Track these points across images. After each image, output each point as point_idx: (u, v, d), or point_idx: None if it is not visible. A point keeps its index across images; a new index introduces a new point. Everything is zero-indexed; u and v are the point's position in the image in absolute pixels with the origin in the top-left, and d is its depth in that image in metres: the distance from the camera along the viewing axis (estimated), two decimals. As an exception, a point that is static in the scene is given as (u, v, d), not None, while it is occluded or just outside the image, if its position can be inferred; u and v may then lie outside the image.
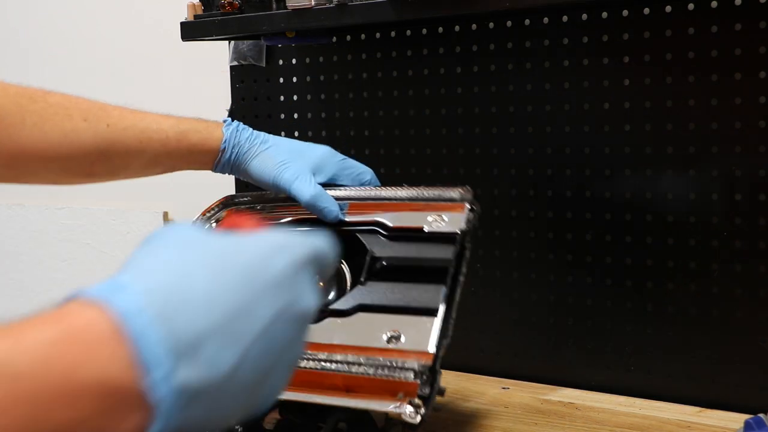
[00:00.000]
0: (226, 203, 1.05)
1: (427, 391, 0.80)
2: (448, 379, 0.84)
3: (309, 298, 0.46)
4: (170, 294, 0.39)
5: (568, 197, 1.15)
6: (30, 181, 0.92)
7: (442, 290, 0.86)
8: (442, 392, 0.85)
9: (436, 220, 0.93)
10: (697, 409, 1.06)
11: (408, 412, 0.79)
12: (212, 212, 1.04)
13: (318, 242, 0.49)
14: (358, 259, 0.94)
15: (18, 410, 0.35)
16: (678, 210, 1.08)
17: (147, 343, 0.38)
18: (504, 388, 1.16)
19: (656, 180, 1.09)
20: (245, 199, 1.05)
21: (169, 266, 0.41)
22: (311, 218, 0.99)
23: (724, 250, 1.05)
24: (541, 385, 1.17)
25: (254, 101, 1.41)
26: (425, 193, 0.96)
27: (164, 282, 0.40)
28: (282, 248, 0.46)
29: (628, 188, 1.11)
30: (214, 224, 1.03)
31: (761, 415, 0.86)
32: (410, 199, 0.96)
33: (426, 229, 0.92)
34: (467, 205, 0.92)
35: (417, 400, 0.80)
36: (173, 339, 0.38)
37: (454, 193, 0.94)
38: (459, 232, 0.90)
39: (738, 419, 0.95)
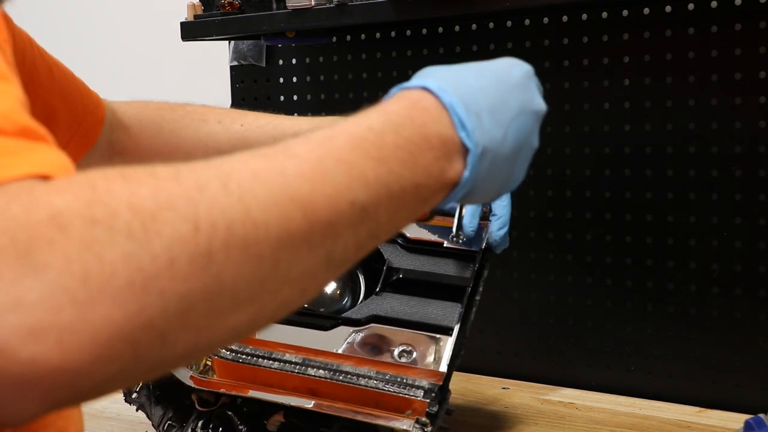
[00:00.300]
0: None
1: (435, 409, 0.80)
2: (450, 380, 0.84)
3: (539, 100, 0.61)
4: (457, 85, 0.55)
5: (568, 197, 1.16)
6: None
7: (458, 309, 0.86)
8: (450, 412, 0.85)
9: (457, 237, 0.92)
10: (697, 409, 1.06)
11: (414, 430, 0.79)
12: None
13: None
14: (372, 265, 0.94)
15: (401, 152, 0.49)
16: (678, 210, 1.08)
17: (456, 111, 0.53)
18: (504, 388, 1.16)
19: (656, 180, 1.09)
20: None
21: (448, 72, 0.57)
22: None
23: (724, 250, 1.05)
24: (541, 385, 1.17)
25: (254, 101, 1.41)
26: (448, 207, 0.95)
27: (450, 78, 0.55)
28: (516, 64, 0.62)
29: (628, 188, 1.11)
30: None
31: (761, 415, 0.86)
32: (433, 212, 0.95)
33: (446, 244, 0.92)
34: (489, 222, 0.91)
35: (424, 419, 0.80)
36: (467, 111, 0.54)
37: None
38: (479, 251, 0.90)
39: (738, 419, 0.95)
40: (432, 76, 0.56)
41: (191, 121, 0.96)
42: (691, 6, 1.05)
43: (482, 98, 0.56)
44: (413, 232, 0.94)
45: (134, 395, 0.94)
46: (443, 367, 0.82)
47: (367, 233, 0.47)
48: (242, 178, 0.41)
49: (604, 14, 1.10)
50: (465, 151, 0.53)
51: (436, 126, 0.52)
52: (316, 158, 0.45)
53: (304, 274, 0.43)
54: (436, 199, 0.53)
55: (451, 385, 0.85)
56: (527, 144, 0.60)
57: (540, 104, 0.61)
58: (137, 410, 0.96)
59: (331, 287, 0.94)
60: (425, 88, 0.55)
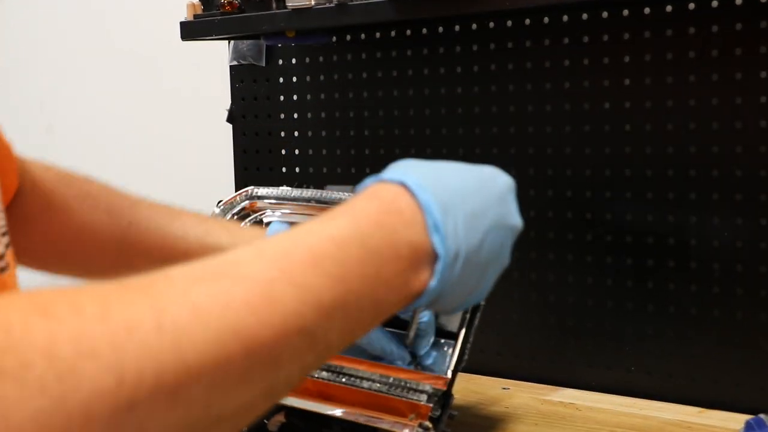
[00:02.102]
0: (248, 196, 1.04)
1: (438, 413, 0.80)
2: (454, 386, 0.84)
3: (517, 216, 0.59)
4: (437, 184, 0.52)
5: (568, 197, 1.15)
6: (53, 270, 0.87)
7: (463, 314, 0.86)
8: (453, 417, 0.85)
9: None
10: (698, 409, 1.06)
11: None
12: (233, 204, 1.03)
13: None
14: None
15: (365, 266, 0.46)
16: (678, 210, 1.08)
17: (433, 212, 0.50)
18: (504, 388, 1.16)
19: (657, 180, 1.09)
20: (267, 192, 1.04)
21: (428, 169, 0.54)
22: None
23: (725, 250, 1.05)
24: (541, 386, 1.17)
25: (254, 101, 1.41)
26: None
27: (430, 176, 0.53)
28: (500, 174, 0.61)
29: (628, 189, 1.11)
30: (234, 217, 1.02)
31: (761, 415, 0.86)
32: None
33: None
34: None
35: (427, 423, 0.80)
36: (445, 214, 0.50)
37: None
38: None
39: (738, 419, 0.95)
40: (411, 170, 0.53)
41: (82, 203, 0.87)
42: (691, 6, 1.04)
43: (462, 202, 0.53)
44: None
45: None
46: (447, 373, 0.82)
47: (314, 358, 0.44)
48: (179, 316, 0.37)
49: (605, 14, 1.10)
50: (435, 257, 0.50)
51: (407, 232, 0.49)
52: (267, 281, 0.41)
53: (239, 409, 0.40)
54: (394, 311, 0.49)
55: (452, 387, 0.85)
56: (500, 257, 0.57)
57: (517, 220, 0.59)
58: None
59: None
60: (402, 184, 0.51)
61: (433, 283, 0.50)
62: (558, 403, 1.10)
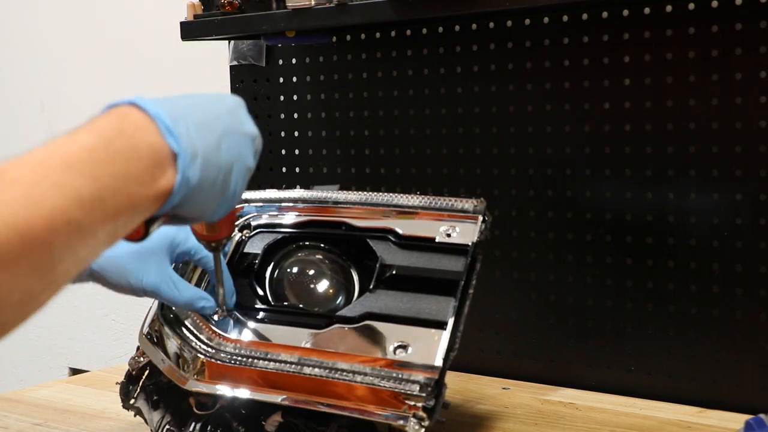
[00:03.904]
0: None
1: (432, 403, 0.80)
2: (448, 379, 0.84)
3: (251, 125, 0.67)
4: (164, 102, 0.59)
5: (568, 197, 1.15)
6: None
7: (452, 303, 0.86)
8: (446, 406, 0.85)
9: (448, 231, 0.92)
10: (698, 409, 1.06)
11: (412, 425, 0.79)
12: None
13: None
14: (365, 263, 0.94)
15: (113, 165, 0.52)
16: (679, 210, 1.08)
17: (162, 119, 0.57)
18: (504, 388, 1.16)
19: (657, 180, 1.09)
20: (253, 196, 1.04)
21: (157, 97, 0.60)
22: (322, 220, 0.98)
23: (725, 250, 1.05)
24: (541, 385, 1.17)
25: (254, 101, 1.41)
26: (439, 202, 0.95)
27: (158, 99, 0.59)
28: (228, 95, 0.69)
29: (628, 188, 1.11)
30: None
31: (761, 415, 0.86)
32: (423, 208, 0.95)
33: (438, 239, 0.92)
34: (480, 218, 0.91)
35: (421, 413, 0.80)
36: (175, 121, 0.57)
37: (468, 204, 0.93)
38: (471, 245, 0.90)
39: (738, 419, 0.95)
40: (140, 97, 0.60)
41: None
42: (691, 6, 1.04)
43: (191, 113, 0.60)
44: (405, 228, 0.94)
45: (132, 401, 0.94)
46: (438, 362, 0.82)
47: (86, 249, 0.51)
48: None
49: (605, 14, 1.10)
50: (175, 158, 0.57)
51: (144, 135, 0.56)
52: (31, 183, 0.48)
53: (24, 295, 0.47)
54: (153, 208, 0.56)
55: (451, 386, 0.85)
56: (241, 160, 0.65)
57: (251, 128, 0.67)
58: (135, 416, 0.96)
59: (324, 286, 0.95)
60: (132, 104, 0.58)
61: (178, 178, 0.57)
62: (558, 403, 1.10)
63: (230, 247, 0.99)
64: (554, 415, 1.05)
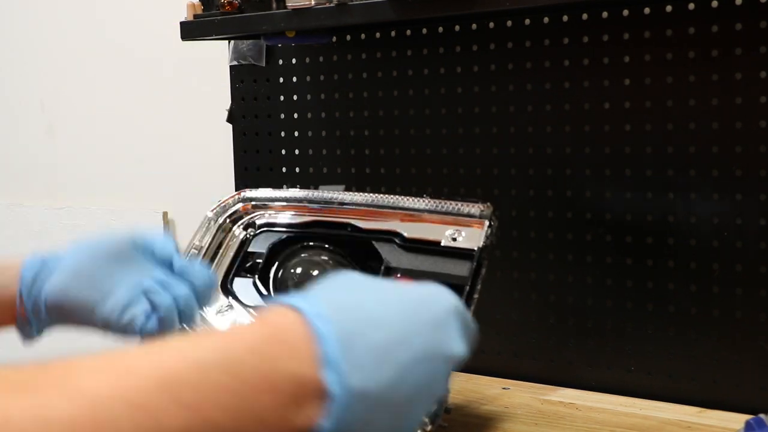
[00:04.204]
0: (240, 198, 1.04)
1: (434, 408, 0.80)
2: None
3: (458, 344, 0.51)
4: (345, 310, 0.47)
5: (568, 197, 1.15)
6: None
7: None
8: (448, 411, 0.85)
9: (454, 235, 0.92)
10: (698, 409, 1.06)
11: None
12: (225, 207, 1.04)
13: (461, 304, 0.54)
14: (370, 265, 0.94)
15: (230, 396, 0.41)
16: (679, 210, 1.08)
17: (327, 342, 0.44)
18: (504, 388, 1.16)
19: (657, 180, 1.09)
20: (259, 194, 1.04)
21: (345, 291, 0.49)
22: (327, 221, 0.98)
23: (725, 250, 1.05)
24: (541, 385, 1.17)
25: (254, 101, 1.41)
26: (445, 206, 0.95)
27: (339, 301, 0.47)
28: (439, 295, 0.52)
29: (628, 188, 1.11)
30: (227, 220, 1.02)
31: (761, 415, 0.86)
32: (429, 211, 0.95)
33: (443, 243, 0.91)
34: (487, 222, 0.91)
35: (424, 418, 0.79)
36: (345, 345, 0.45)
37: (474, 208, 0.93)
38: (476, 249, 0.89)
39: (738, 419, 0.95)
40: (318, 294, 0.48)
41: None
42: (691, 6, 1.04)
43: (374, 331, 0.46)
44: (410, 231, 0.94)
45: None
46: None
47: None
48: None
49: (605, 14, 1.10)
50: (328, 398, 0.44)
51: (290, 363, 0.43)
52: (103, 399, 0.36)
53: None
54: None
55: (452, 386, 0.85)
56: (429, 391, 0.49)
57: (457, 348, 0.51)
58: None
59: None
60: (297, 310, 0.46)
61: (325, 423, 0.43)
62: (558, 403, 1.10)
63: (234, 249, 0.99)
64: (554, 415, 1.05)
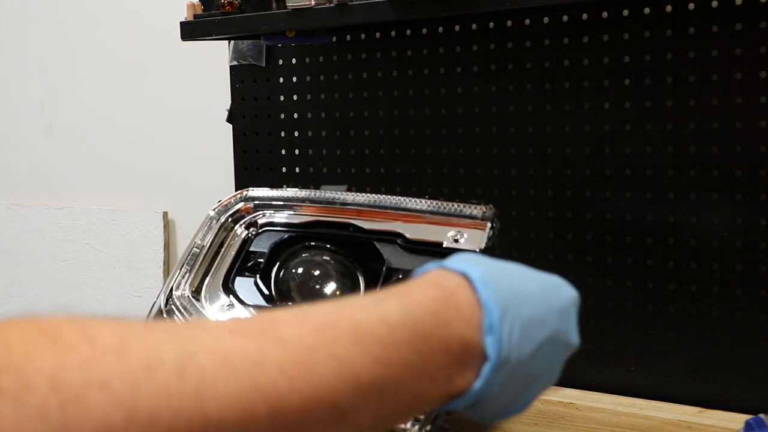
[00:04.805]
0: (242, 198, 1.04)
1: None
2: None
3: (575, 334, 0.55)
4: (500, 283, 0.49)
5: (568, 197, 1.15)
6: None
7: None
8: (449, 412, 0.85)
9: (456, 236, 0.92)
10: (698, 409, 1.06)
11: (414, 430, 0.79)
12: (227, 207, 1.03)
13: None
14: (372, 266, 0.94)
15: (411, 353, 0.43)
16: (679, 210, 1.08)
17: (491, 310, 0.47)
18: (504, 388, 1.16)
19: (657, 180, 1.09)
20: (261, 194, 1.04)
21: (492, 266, 0.51)
22: (329, 221, 0.98)
23: (725, 250, 1.05)
24: (541, 385, 1.16)
25: (254, 101, 1.41)
26: (447, 207, 0.94)
27: (494, 273, 0.49)
28: (565, 286, 0.56)
29: (628, 188, 1.11)
30: (229, 219, 1.02)
31: (761, 415, 0.86)
32: (432, 213, 0.95)
33: (445, 244, 0.91)
34: (489, 224, 0.91)
35: (424, 419, 0.79)
36: (503, 315, 0.47)
37: (477, 210, 0.93)
38: (478, 251, 0.89)
39: (738, 419, 0.95)
40: (475, 263, 0.50)
41: None
42: (691, 6, 1.04)
43: (521, 306, 0.49)
44: (413, 232, 0.94)
45: None
46: None
47: None
48: (206, 362, 0.35)
49: (605, 14, 1.10)
50: (484, 358, 0.47)
51: (461, 327, 0.46)
52: (306, 347, 0.39)
53: None
54: (433, 406, 0.47)
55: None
56: (550, 372, 0.54)
57: (574, 338, 0.55)
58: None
59: (330, 289, 0.94)
60: (466, 276, 0.48)
61: (477, 384, 0.47)
62: (558, 402, 1.10)
63: (235, 248, 0.99)
64: (554, 415, 1.05)
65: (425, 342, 0.44)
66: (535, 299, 0.51)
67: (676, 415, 1.04)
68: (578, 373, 1.16)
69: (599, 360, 1.15)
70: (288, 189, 1.03)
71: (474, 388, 0.47)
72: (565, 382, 1.16)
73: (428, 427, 0.79)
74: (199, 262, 0.97)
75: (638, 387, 1.12)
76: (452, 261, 0.50)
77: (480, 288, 0.47)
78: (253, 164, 1.42)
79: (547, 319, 0.51)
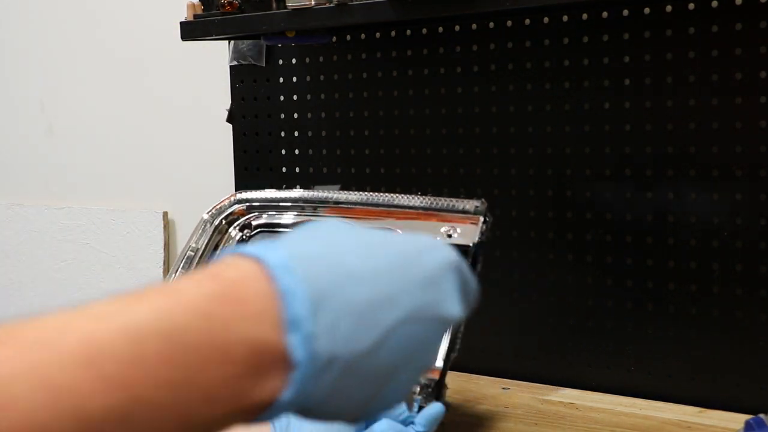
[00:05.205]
0: (235, 200, 1.04)
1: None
2: (448, 379, 0.84)
3: (453, 304, 0.44)
4: (320, 263, 0.39)
5: (568, 197, 1.15)
6: None
7: None
8: (447, 407, 0.85)
9: (449, 232, 0.92)
10: (698, 409, 1.06)
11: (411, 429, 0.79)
12: (221, 209, 1.04)
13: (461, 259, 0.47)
14: None
15: (170, 369, 0.34)
16: (679, 210, 1.08)
17: (294, 301, 0.37)
18: (504, 388, 1.16)
19: (657, 180, 1.09)
20: (254, 196, 1.04)
21: (321, 241, 0.41)
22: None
23: (725, 250, 1.05)
24: (541, 385, 1.16)
25: (254, 101, 1.41)
26: (440, 203, 0.94)
27: (315, 252, 0.40)
28: (434, 249, 0.45)
29: (628, 188, 1.11)
30: (223, 221, 1.02)
31: (761, 415, 0.86)
32: (424, 209, 0.95)
33: (439, 239, 0.91)
34: (481, 219, 0.91)
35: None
36: (317, 304, 0.38)
37: (469, 205, 0.93)
38: (472, 245, 0.89)
39: (738, 419, 0.95)
40: (281, 245, 0.40)
41: None
42: (691, 6, 1.04)
43: (356, 288, 0.39)
44: (406, 229, 0.94)
45: None
46: (439, 363, 0.82)
47: None
48: None
49: (605, 14, 1.10)
50: (292, 365, 0.37)
51: (247, 327, 0.36)
52: (5, 376, 0.30)
53: None
54: (227, 426, 0.37)
55: (452, 386, 0.85)
56: (419, 357, 0.42)
57: (452, 310, 0.44)
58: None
59: None
60: (258, 260, 0.38)
61: (286, 395, 0.37)
62: (558, 403, 1.10)
63: (232, 248, 0.99)
64: (554, 415, 1.05)
65: (192, 353, 0.35)
66: (380, 276, 0.41)
67: (676, 415, 1.04)
68: (578, 373, 1.16)
69: (599, 360, 1.15)
70: (281, 190, 1.03)
71: (282, 400, 0.37)
72: (565, 382, 1.17)
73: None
74: (193, 266, 0.97)
75: (638, 387, 1.12)
76: (254, 245, 0.40)
77: (279, 275, 0.37)
78: (253, 164, 1.42)
79: (401, 297, 0.41)
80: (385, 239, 0.44)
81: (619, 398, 1.11)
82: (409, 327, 0.41)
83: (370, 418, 0.47)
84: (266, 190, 1.04)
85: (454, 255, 0.45)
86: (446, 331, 0.48)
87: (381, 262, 0.41)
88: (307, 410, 0.39)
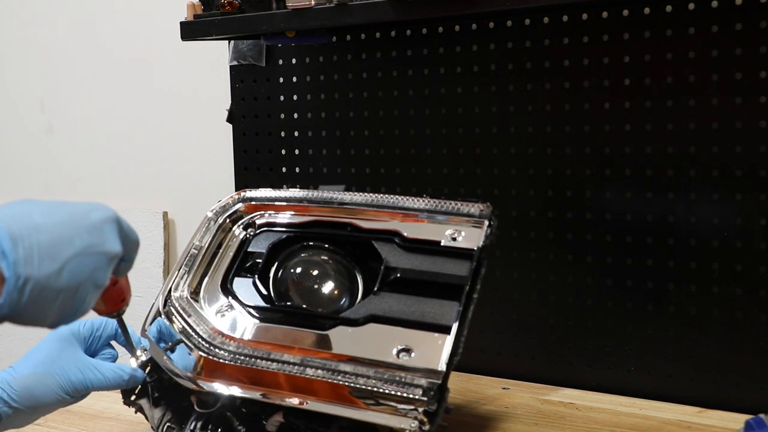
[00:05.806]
0: (240, 198, 1.04)
1: (434, 407, 0.80)
2: (449, 380, 0.84)
3: (113, 244, 0.68)
4: (13, 219, 0.62)
5: (568, 197, 1.15)
6: None
7: (456, 308, 0.86)
8: (449, 410, 0.85)
9: (454, 235, 0.92)
10: (698, 409, 1.06)
11: (413, 428, 0.79)
12: (225, 208, 1.03)
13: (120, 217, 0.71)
14: (370, 265, 0.94)
15: None
16: (679, 210, 1.08)
17: (1, 241, 0.60)
18: (504, 388, 1.16)
19: (656, 180, 1.09)
20: (259, 194, 1.04)
21: (12, 208, 0.65)
22: (327, 220, 0.98)
23: (725, 250, 1.05)
24: (541, 385, 1.17)
25: (254, 101, 1.41)
26: (445, 206, 0.94)
27: (10, 213, 0.63)
28: (97, 208, 0.69)
29: (628, 188, 1.11)
30: (227, 219, 1.02)
31: (761, 415, 0.86)
32: (429, 211, 0.95)
33: (443, 242, 0.91)
34: (486, 222, 0.91)
35: (423, 417, 0.79)
36: (15, 242, 0.61)
37: (474, 208, 0.93)
38: (476, 249, 0.89)
39: (738, 419, 0.95)
40: None
41: None
42: (691, 6, 1.04)
43: (41, 234, 0.62)
44: (410, 231, 0.94)
45: (133, 397, 0.94)
46: (442, 366, 0.82)
47: None
48: None
49: (605, 14, 1.10)
50: (3, 281, 0.59)
51: None
52: None
53: None
54: None
55: (452, 386, 0.85)
56: (89, 281, 0.66)
57: (113, 247, 0.68)
58: (136, 412, 0.96)
59: (328, 288, 0.94)
60: None
61: (1, 302, 0.59)
62: (558, 403, 1.10)
63: (233, 249, 0.99)
64: (554, 415, 1.05)
65: None
66: (58, 226, 0.64)
67: (676, 415, 1.04)
68: (578, 373, 1.16)
69: (599, 360, 1.15)
70: (286, 189, 1.03)
71: (1, 306, 0.59)
72: (565, 382, 1.17)
73: (428, 427, 0.79)
74: (197, 263, 0.97)
75: (638, 387, 1.12)
76: None
77: None
78: (253, 164, 1.42)
79: (74, 239, 0.64)
80: (63, 204, 0.68)
81: (619, 398, 1.11)
82: (82, 258, 0.65)
83: (66, 323, 0.67)
84: (271, 189, 1.04)
85: (111, 212, 0.69)
86: (112, 262, 0.68)
87: (59, 217, 0.65)
88: (18, 316, 0.62)
